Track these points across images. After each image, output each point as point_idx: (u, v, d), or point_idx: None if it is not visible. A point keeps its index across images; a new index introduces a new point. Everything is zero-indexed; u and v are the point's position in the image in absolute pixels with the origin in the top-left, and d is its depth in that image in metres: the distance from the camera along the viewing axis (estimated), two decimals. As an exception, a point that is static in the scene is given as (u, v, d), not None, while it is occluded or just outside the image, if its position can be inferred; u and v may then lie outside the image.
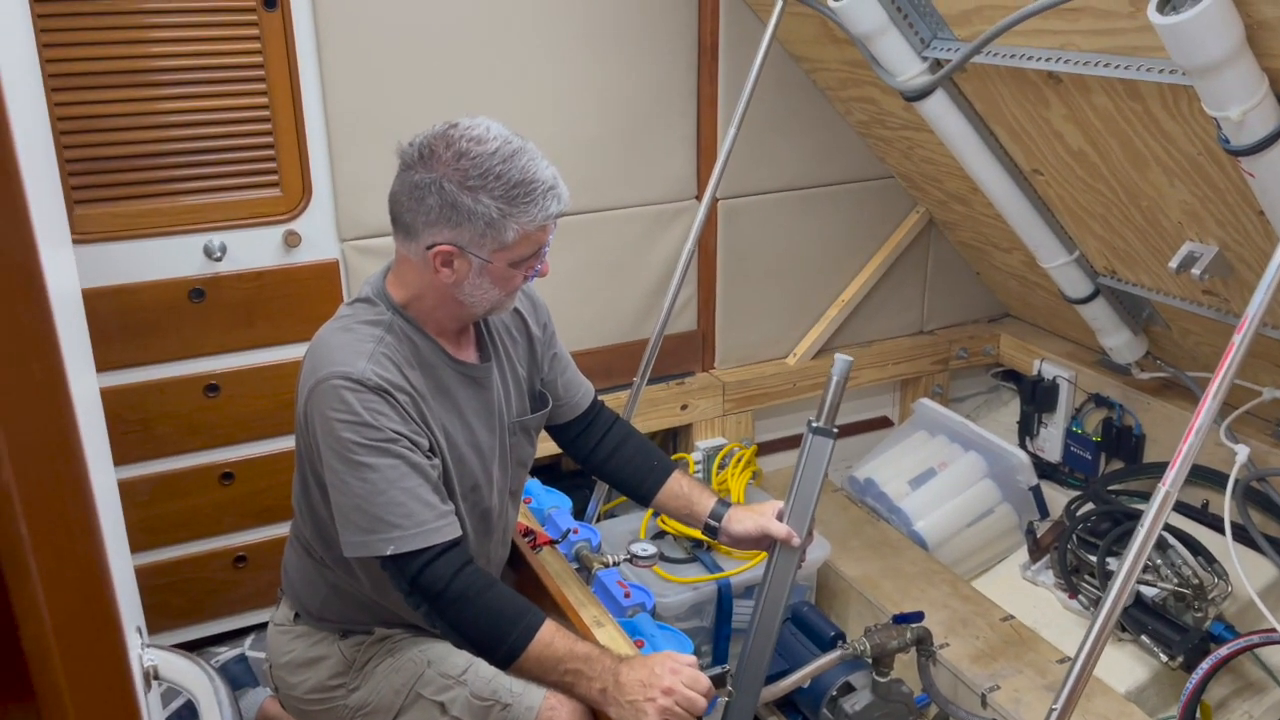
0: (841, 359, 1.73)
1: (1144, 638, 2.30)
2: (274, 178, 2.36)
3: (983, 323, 3.38)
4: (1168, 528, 2.42)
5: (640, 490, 1.89)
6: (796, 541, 1.74)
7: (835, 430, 1.74)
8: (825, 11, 2.15)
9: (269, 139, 2.32)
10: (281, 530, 2.48)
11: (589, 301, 2.77)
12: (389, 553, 1.48)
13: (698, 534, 2.15)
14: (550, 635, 1.52)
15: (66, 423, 0.48)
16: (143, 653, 1.01)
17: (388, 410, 1.49)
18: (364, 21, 2.33)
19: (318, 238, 2.44)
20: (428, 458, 1.54)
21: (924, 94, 2.19)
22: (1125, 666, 2.31)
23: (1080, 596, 2.52)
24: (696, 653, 2.34)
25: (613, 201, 2.73)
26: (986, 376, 3.44)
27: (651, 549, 2.18)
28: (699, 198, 2.80)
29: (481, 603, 1.51)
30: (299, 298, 2.45)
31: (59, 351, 0.48)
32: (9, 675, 0.56)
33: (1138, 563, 1.47)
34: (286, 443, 2.49)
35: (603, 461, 1.90)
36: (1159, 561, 2.37)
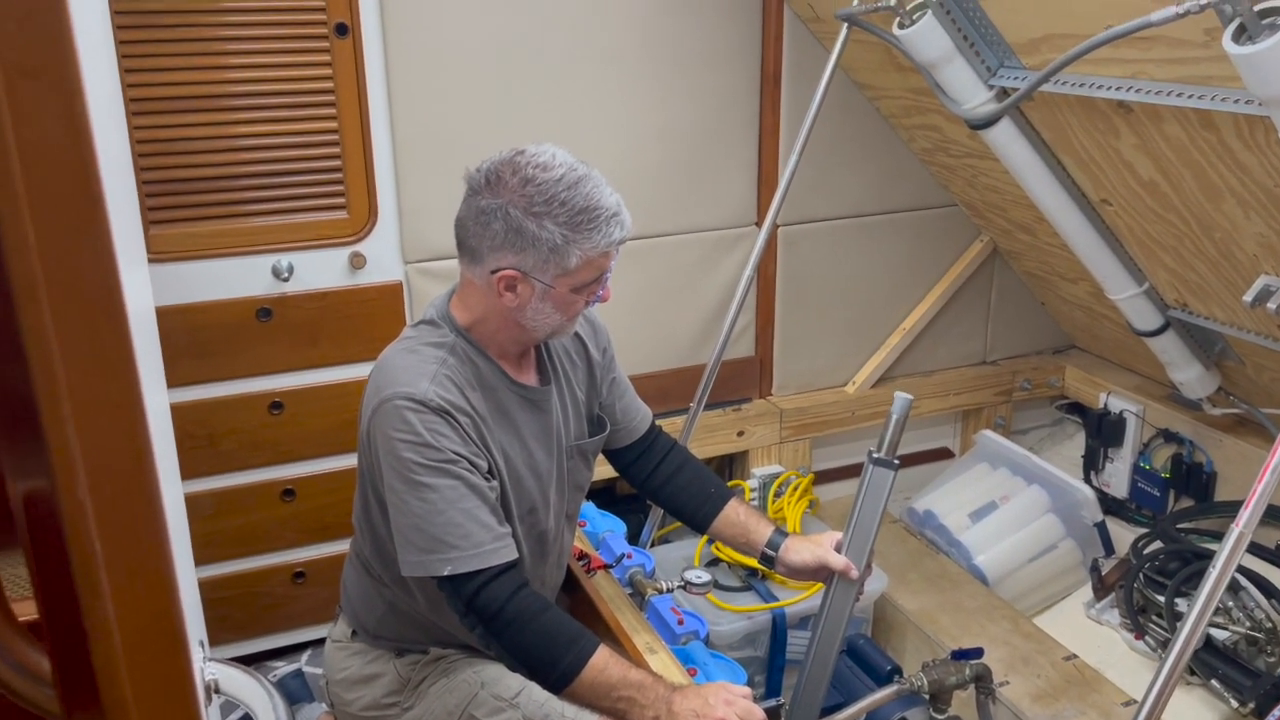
0: (901, 398, 1.70)
1: (1214, 682, 2.23)
2: (341, 200, 2.41)
3: (1047, 354, 3.32)
4: (1240, 569, 2.34)
5: (697, 517, 1.88)
6: (855, 574, 1.72)
7: (897, 462, 1.71)
8: (890, 39, 2.14)
9: (337, 162, 2.37)
10: (340, 547, 2.52)
11: (647, 326, 2.77)
12: (446, 573, 1.49)
13: (753, 562, 2.13)
14: (604, 661, 1.52)
15: (141, 442, 0.49)
16: (204, 666, 1.03)
17: (449, 431, 1.50)
18: (432, 49, 2.38)
19: (382, 260, 2.48)
20: (486, 479, 1.55)
21: (990, 122, 2.17)
22: (1194, 711, 2.24)
23: (1147, 637, 2.45)
24: (750, 683, 2.31)
25: (673, 227, 2.73)
26: (1050, 409, 3.38)
27: (706, 576, 2.17)
28: (759, 224, 2.80)
29: (536, 626, 1.51)
30: (363, 318, 2.49)
31: (136, 371, 0.50)
32: (78, 687, 0.57)
33: (1209, 605, 1.42)
34: (347, 461, 2.53)
35: (659, 487, 1.90)
36: (1231, 604, 2.29)
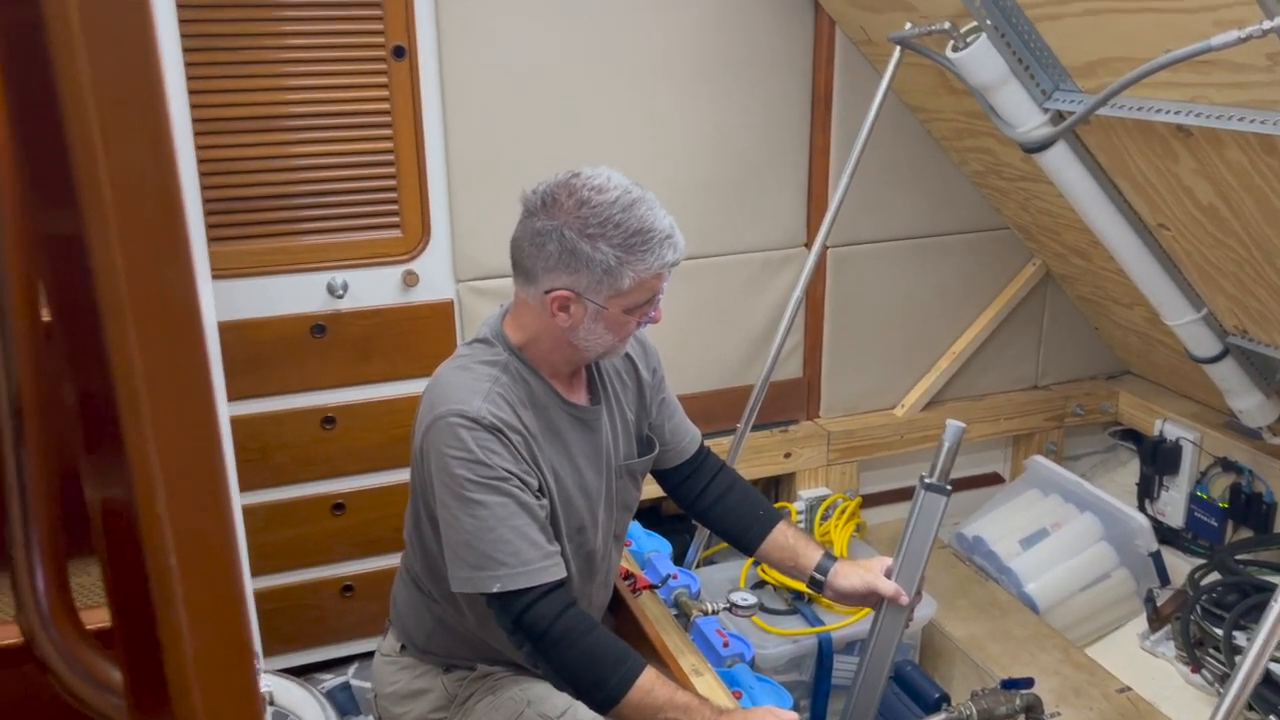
0: (953, 425, 1.69)
1: (1273, 718, 2.17)
2: (395, 219, 2.45)
3: (1100, 379, 3.27)
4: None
5: (744, 539, 1.87)
6: (905, 600, 1.70)
7: (949, 488, 1.69)
8: (943, 62, 2.14)
9: (393, 182, 2.41)
10: (388, 561, 2.54)
11: (694, 346, 2.78)
12: (495, 590, 1.50)
13: (799, 585, 2.12)
14: (650, 682, 1.51)
15: (217, 458, 0.50)
16: (259, 678, 1.05)
17: (500, 449, 1.52)
18: (486, 70, 2.41)
19: (434, 278, 2.51)
20: (537, 498, 1.56)
21: (1044, 146, 2.15)
22: (1253, 749, 2.18)
23: (1204, 671, 2.39)
24: (795, 707, 2.29)
25: (722, 247, 2.74)
26: (1104, 435, 3.32)
27: (751, 599, 2.16)
28: (808, 245, 2.79)
29: (583, 645, 1.51)
30: (414, 335, 2.52)
31: (213, 390, 0.51)
32: (147, 698, 0.58)
33: (1271, 639, 1.39)
34: (397, 476, 2.55)
35: (707, 508, 1.90)
36: (1292, 639, 2.23)
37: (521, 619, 1.51)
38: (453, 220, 2.49)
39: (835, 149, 2.73)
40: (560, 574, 1.54)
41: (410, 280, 2.49)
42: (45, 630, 0.68)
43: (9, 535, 0.68)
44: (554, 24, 2.45)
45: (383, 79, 2.34)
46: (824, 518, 2.84)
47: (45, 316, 0.65)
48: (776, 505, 2.92)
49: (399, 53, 2.33)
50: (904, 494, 3.09)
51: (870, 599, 1.75)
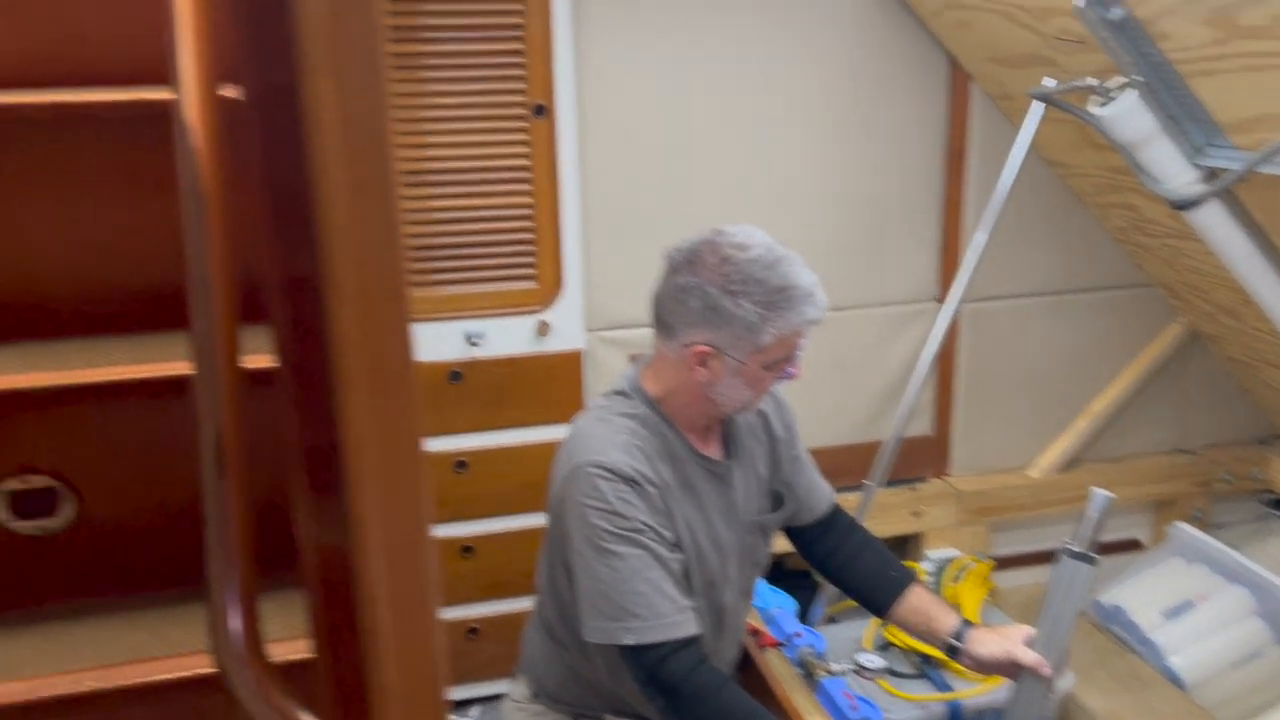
0: (1099, 495, 1.63)
1: None
2: (532, 270, 2.52)
3: (1251, 444, 3.10)
4: None
5: (876, 600, 1.84)
6: (1046, 671, 1.64)
7: (1094, 558, 1.63)
8: (1087, 119, 2.10)
9: (530, 235, 2.49)
10: (514, 606, 2.58)
11: (821, 399, 2.76)
12: (628, 642, 1.51)
13: (927, 648, 2.06)
14: (782, 743, 1.50)
15: (426, 514, 0.53)
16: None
17: (638, 500, 1.54)
18: (622, 127, 2.48)
19: (566, 328, 2.57)
20: (672, 551, 1.57)
21: (1195, 203, 2.08)
22: None
23: (1372, 763, 2.23)
24: (924, 776, 2.23)
25: (850, 300, 2.73)
26: (1254, 503, 3.15)
27: (879, 661, 2.12)
28: (939, 299, 2.75)
29: (717, 702, 1.50)
30: (546, 383, 2.58)
31: (423, 451, 0.54)
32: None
33: None
34: (524, 521, 2.60)
35: (839, 568, 1.87)
36: None
37: (655, 673, 1.51)
38: (586, 272, 2.55)
39: (969, 203, 2.70)
40: (694, 629, 1.54)
41: (543, 330, 2.55)
42: (237, 667, 0.72)
43: (209, 570, 0.73)
44: (689, 82, 2.50)
45: (524, 135, 2.42)
46: (954, 580, 2.76)
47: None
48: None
49: (539, 111, 2.42)
50: (1038, 558, 2.98)
51: (1009, 668, 1.69)
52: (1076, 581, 1.64)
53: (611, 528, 1.52)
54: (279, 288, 0.61)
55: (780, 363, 1.57)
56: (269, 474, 0.80)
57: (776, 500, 1.81)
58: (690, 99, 2.51)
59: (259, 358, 0.88)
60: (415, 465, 0.52)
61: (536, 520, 1.76)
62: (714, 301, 1.51)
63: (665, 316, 1.58)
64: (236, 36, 0.65)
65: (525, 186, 2.45)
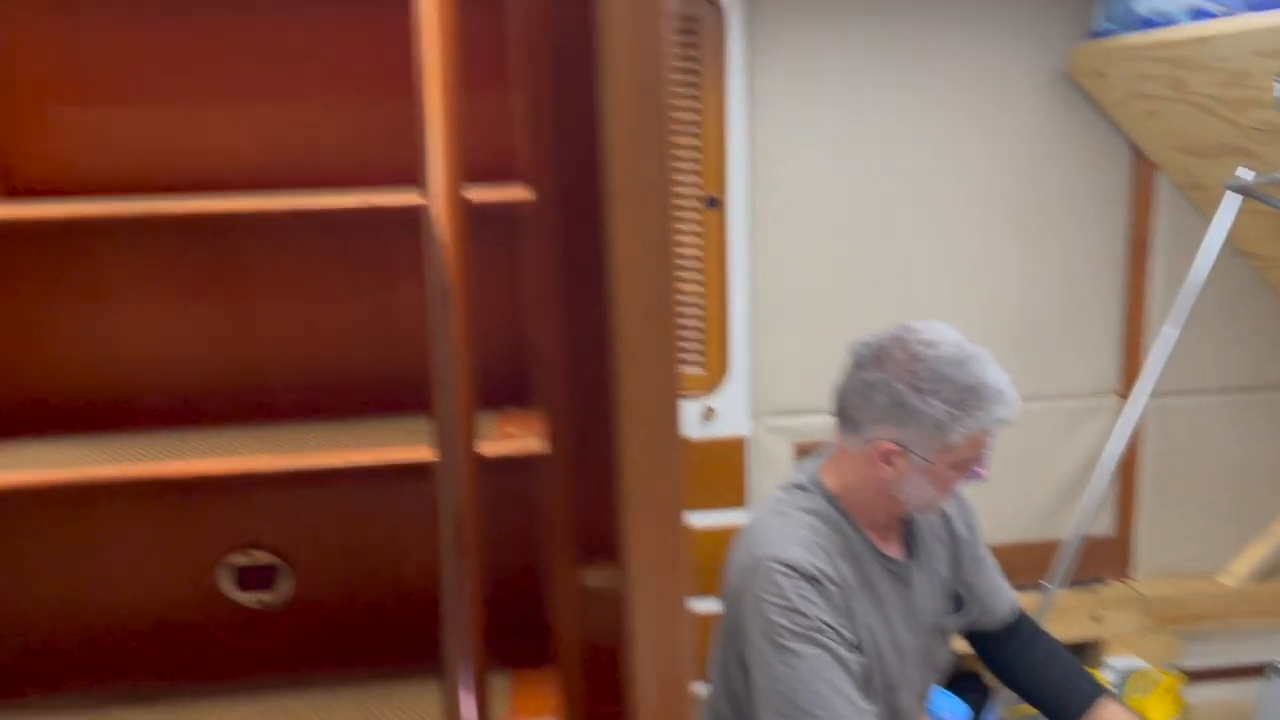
0: None
1: None
2: (700, 356, 2.56)
3: None
4: None
5: (1063, 713, 1.75)
6: None
7: None
8: (1291, 211, 2.01)
9: (699, 321, 2.53)
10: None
11: (996, 494, 2.65)
12: None
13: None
14: None
15: (688, 583, 0.56)
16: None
17: (818, 599, 1.52)
18: (792, 218, 2.51)
19: (732, 413, 2.59)
20: (851, 652, 1.54)
21: None
22: None
23: None
24: None
25: (1028, 392, 2.62)
26: None
27: (1060, 775, 1.99)
28: (1122, 393, 2.65)
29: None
30: (710, 468, 2.59)
31: (685, 549, 0.57)
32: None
33: None
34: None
35: (1023, 676, 1.79)
36: None
37: (834, 777, 1.48)
38: (753, 358, 2.57)
39: (1152, 293, 2.60)
40: None
41: (709, 415, 2.58)
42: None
43: (445, 649, 0.77)
44: (861, 169, 2.52)
45: (697, 226, 2.48)
46: (1139, 692, 2.60)
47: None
48: (1082, 672, 2.71)
49: (712, 203, 2.48)
50: (1235, 673, 2.78)
51: None
52: None
53: (791, 625, 1.51)
54: (558, 372, 0.65)
55: (968, 462, 1.54)
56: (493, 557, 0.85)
57: (957, 602, 1.76)
58: (862, 186, 2.53)
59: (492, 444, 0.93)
60: (680, 539, 0.55)
61: (702, 605, 1.76)
62: (902, 398, 1.49)
63: (850, 411, 1.57)
64: (531, 144, 0.71)
65: (696, 275, 2.51)
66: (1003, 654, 1.81)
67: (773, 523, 1.61)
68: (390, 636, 1.19)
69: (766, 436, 2.60)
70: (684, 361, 2.56)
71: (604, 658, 0.56)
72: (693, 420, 2.59)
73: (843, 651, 1.52)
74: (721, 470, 2.61)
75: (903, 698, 1.67)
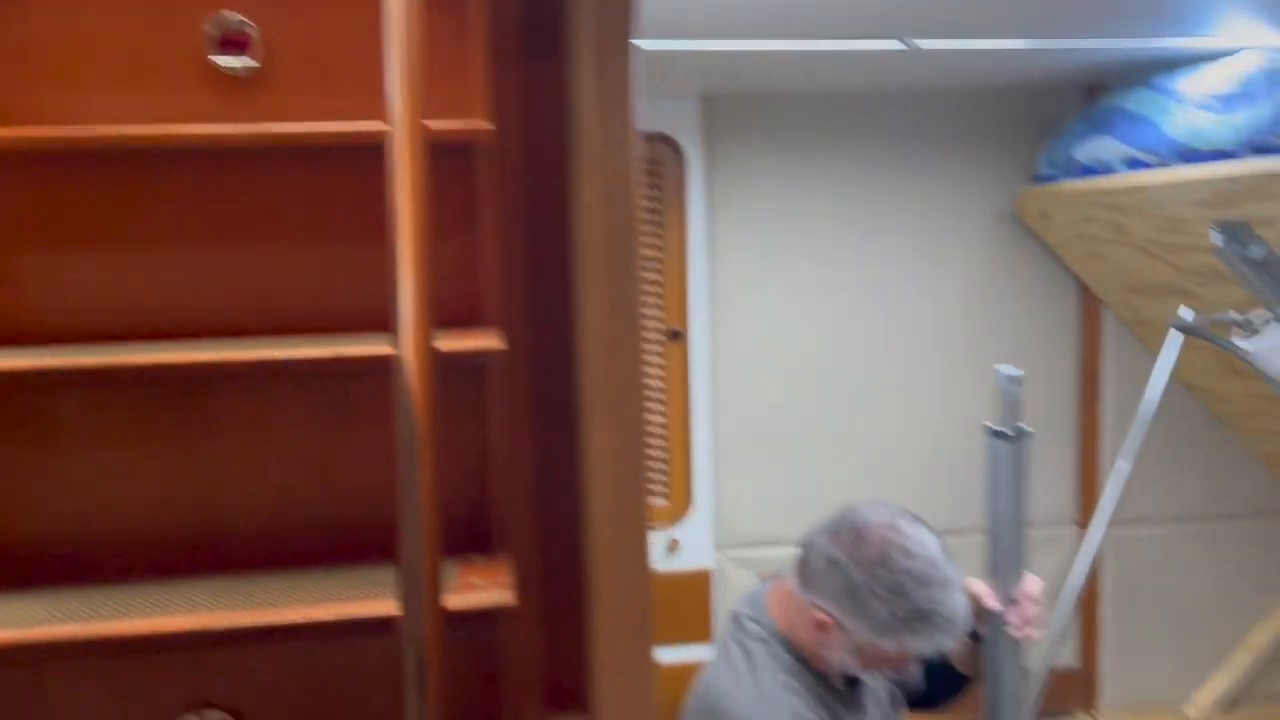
0: (1005, 373, 1.52)
1: None
2: (664, 488, 2.56)
3: None
4: None
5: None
6: (992, 603, 1.50)
7: (1016, 431, 1.51)
8: (1233, 350, 2.08)
9: (663, 454, 2.54)
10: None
11: (959, 627, 2.66)
12: None
13: None
14: None
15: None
16: None
17: None
18: (753, 351, 2.56)
19: (695, 546, 2.58)
20: None
21: (1355, 434, 2.02)
22: None
23: None
24: None
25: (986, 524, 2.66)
26: None
27: None
28: (1080, 523, 2.68)
29: None
30: (672, 601, 2.56)
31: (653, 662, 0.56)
32: None
33: None
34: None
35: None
36: None
37: None
38: (716, 490, 2.57)
39: (1105, 425, 2.66)
40: None
41: (674, 547, 2.56)
42: None
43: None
44: (819, 306, 2.58)
45: (659, 359, 2.51)
46: (1111, 831, 2.55)
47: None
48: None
49: (675, 336, 2.52)
50: (1204, 809, 2.74)
51: (979, 618, 1.55)
52: (1004, 461, 1.51)
53: None
54: (525, 524, 0.65)
55: (894, 663, 1.55)
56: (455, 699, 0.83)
57: (893, 700, 1.74)
58: (820, 322, 2.58)
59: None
60: (650, 686, 0.54)
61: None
62: (856, 591, 1.48)
63: (808, 569, 1.57)
64: (506, 295, 0.73)
65: (659, 407, 2.53)
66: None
67: (749, 696, 1.57)
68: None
69: (731, 568, 2.59)
70: (649, 494, 2.56)
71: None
72: (657, 553, 2.57)
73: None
74: (686, 603, 2.58)
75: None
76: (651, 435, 2.54)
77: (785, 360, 2.58)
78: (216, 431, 1.28)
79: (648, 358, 2.52)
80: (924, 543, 1.50)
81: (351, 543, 1.21)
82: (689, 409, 2.55)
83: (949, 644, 1.50)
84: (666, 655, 2.52)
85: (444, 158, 0.95)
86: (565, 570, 0.58)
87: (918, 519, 1.55)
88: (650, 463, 2.55)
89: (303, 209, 1.29)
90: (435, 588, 0.75)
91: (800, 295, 2.57)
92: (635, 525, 0.50)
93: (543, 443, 0.68)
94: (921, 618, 1.46)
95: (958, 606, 1.49)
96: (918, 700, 1.81)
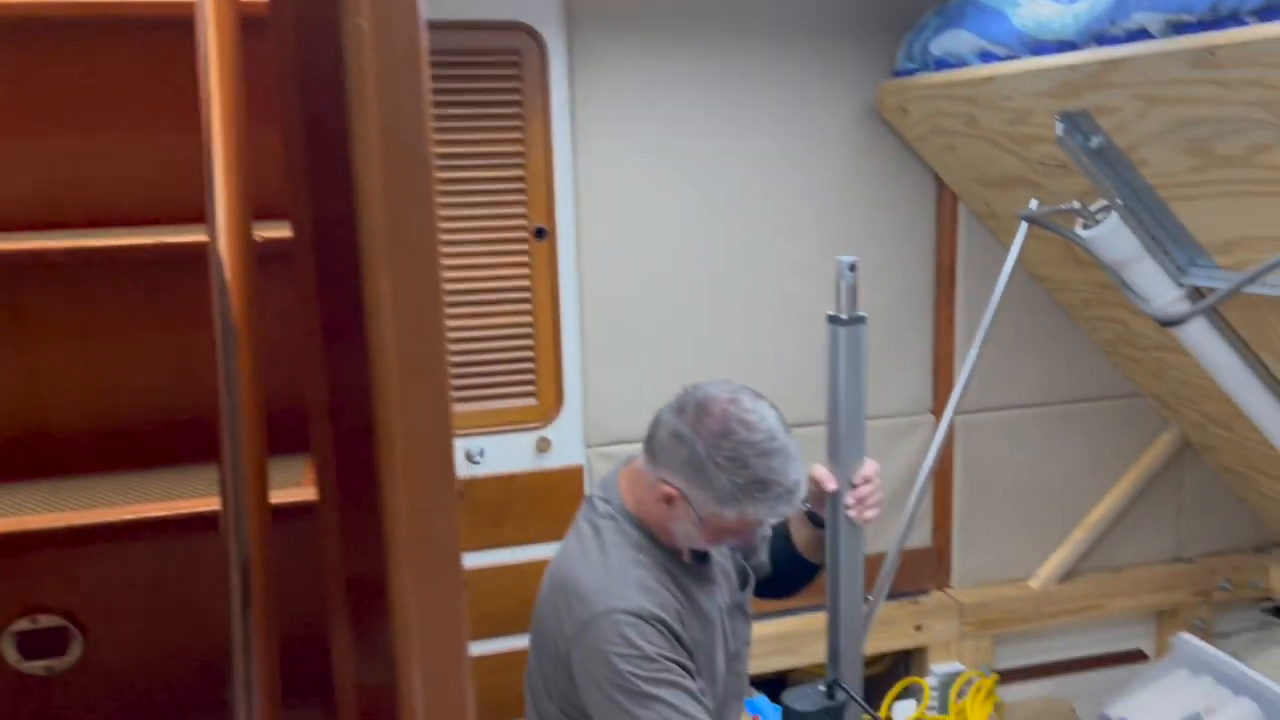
0: (843, 261, 1.64)
1: None
2: (532, 388, 2.55)
3: (1248, 551, 3.11)
4: None
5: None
6: (831, 485, 1.63)
7: (857, 316, 1.62)
8: (1073, 239, 2.16)
9: (530, 353, 2.53)
10: (512, 729, 2.53)
11: (821, 513, 2.76)
12: None
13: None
14: None
15: (464, 636, 0.55)
16: None
17: (663, 641, 1.54)
18: (619, 248, 2.54)
19: (566, 444, 2.59)
20: (696, 680, 1.57)
21: (1180, 320, 2.14)
22: None
23: None
24: None
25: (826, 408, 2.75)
26: (1256, 612, 3.13)
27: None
28: (935, 412, 2.79)
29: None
30: (545, 500, 2.58)
31: (461, 569, 0.56)
32: None
33: None
34: (523, 641, 2.56)
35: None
36: None
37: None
38: (585, 388, 2.58)
39: (960, 317, 2.75)
40: None
41: (543, 446, 2.57)
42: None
43: (233, 705, 0.73)
44: (682, 202, 2.57)
45: (525, 258, 2.48)
46: (959, 695, 2.73)
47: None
48: (907, 681, 2.83)
49: (540, 234, 2.48)
50: (1044, 670, 2.96)
51: (818, 494, 1.67)
52: (843, 347, 1.64)
53: (646, 672, 1.51)
54: (323, 418, 0.63)
55: (737, 534, 1.61)
56: (289, 609, 0.82)
57: (744, 578, 1.81)
58: (684, 219, 2.58)
59: (284, 493, 0.90)
60: (458, 591, 0.54)
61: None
62: (699, 461, 1.53)
63: (655, 444, 1.60)
64: (289, 175, 0.69)
65: (526, 306, 2.50)
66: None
67: (597, 571, 1.61)
68: (185, 698, 1.12)
69: (602, 465, 2.61)
70: (516, 394, 2.55)
71: (385, 713, 0.55)
72: (528, 451, 2.58)
73: (690, 683, 1.55)
74: (558, 502, 2.60)
75: (718, 691, 1.71)
76: (519, 336, 2.52)
77: (651, 257, 2.57)
78: (32, 329, 1.20)
79: (514, 257, 2.48)
80: (764, 416, 1.55)
81: (183, 441, 1.17)
82: (558, 308, 2.53)
83: (787, 512, 1.56)
84: (540, 552, 2.55)
85: (263, 38, 0.89)
86: (363, 467, 0.56)
87: (759, 395, 1.60)
88: (519, 364, 2.53)
89: (116, 89, 1.20)
90: (260, 484, 0.73)
91: (665, 191, 2.56)
92: (428, 378, 0.49)
93: (329, 318, 0.64)
94: (761, 486, 1.52)
95: (797, 476, 1.55)
96: (768, 588, 1.89)
